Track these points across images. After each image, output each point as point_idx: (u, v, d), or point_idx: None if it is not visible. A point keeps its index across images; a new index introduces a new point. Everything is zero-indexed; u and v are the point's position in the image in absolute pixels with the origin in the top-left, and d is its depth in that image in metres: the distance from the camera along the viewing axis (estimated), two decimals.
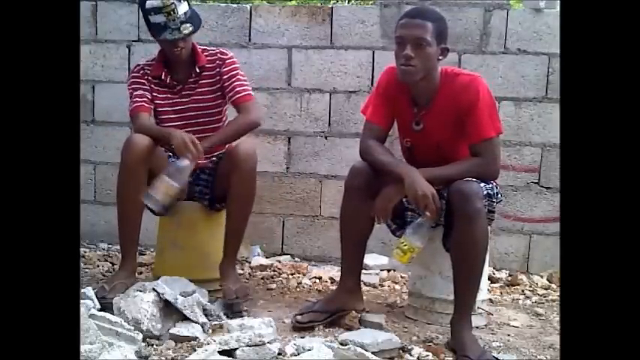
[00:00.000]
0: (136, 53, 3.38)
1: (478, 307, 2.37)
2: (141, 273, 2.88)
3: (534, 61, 3.14)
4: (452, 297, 2.16)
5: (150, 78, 2.56)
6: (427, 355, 2.02)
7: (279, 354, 1.93)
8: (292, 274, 3.01)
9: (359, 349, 1.81)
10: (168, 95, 2.57)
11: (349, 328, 2.24)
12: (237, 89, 2.51)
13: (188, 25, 2.43)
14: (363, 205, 2.22)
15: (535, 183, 3.19)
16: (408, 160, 2.35)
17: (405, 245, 2.20)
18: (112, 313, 2.00)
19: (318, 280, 2.94)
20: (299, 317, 2.25)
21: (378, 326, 2.25)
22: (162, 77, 2.55)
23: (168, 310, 2.10)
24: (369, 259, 2.99)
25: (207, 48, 2.61)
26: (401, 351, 2.04)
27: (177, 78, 2.56)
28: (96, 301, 2.15)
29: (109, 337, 1.82)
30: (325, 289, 2.82)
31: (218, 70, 2.55)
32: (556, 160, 3.14)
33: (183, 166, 2.27)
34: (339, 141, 3.29)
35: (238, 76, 2.54)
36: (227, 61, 2.55)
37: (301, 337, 2.13)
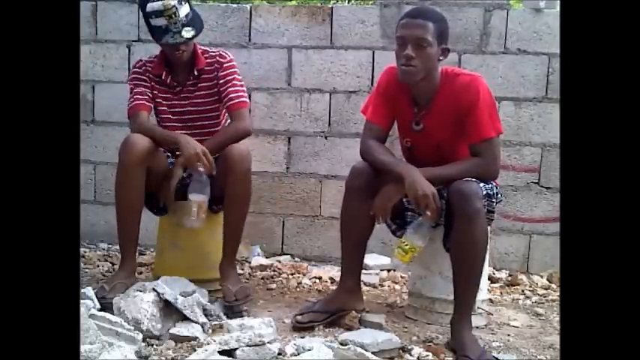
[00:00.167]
0: (136, 53, 3.37)
1: (478, 307, 2.37)
2: (141, 273, 2.88)
3: (534, 61, 3.14)
4: (452, 297, 2.16)
5: (151, 75, 2.56)
6: (427, 355, 2.02)
7: (279, 354, 1.93)
8: (292, 274, 3.01)
9: (359, 349, 1.81)
10: (169, 95, 2.57)
11: (349, 328, 2.24)
12: (231, 95, 2.50)
13: (189, 28, 2.41)
14: (363, 205, 2.22)
15: (535, 183, 3.19)
16: (408, 160, 2.35)
17: (407, 245, 2.21)
18: (112, 313, 2.00)
19: (318, 280, 2.94)
20: (299, 317, 2.25)
21: (378, 326, 2.25)
22: (163, 77, 2.55)
23: (168, 310, 2.10)
24: (369, 259, 2.99)
25: (208, 49, 2.59)
26: (401, 351, 2.05)
27: (177, 79, 2.56)
28: (96, 301, 2.15)
29: (109, 337, 1.82)
30: (325, 289, 2.82)
31: (216, 73, 2.54)
32: (556, 160, 3.14)
33: (204, 180, 2.38)
34: (339, 141, 3.29)
35: (234, 82, 2.52)
36: (225, 65, 2.54)
37: (301, 337, 2.13)
